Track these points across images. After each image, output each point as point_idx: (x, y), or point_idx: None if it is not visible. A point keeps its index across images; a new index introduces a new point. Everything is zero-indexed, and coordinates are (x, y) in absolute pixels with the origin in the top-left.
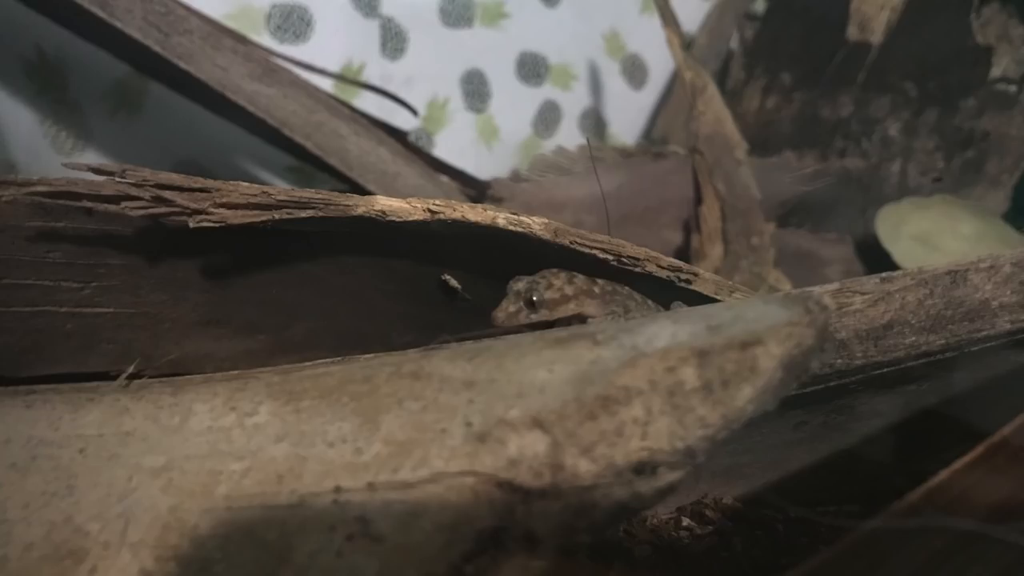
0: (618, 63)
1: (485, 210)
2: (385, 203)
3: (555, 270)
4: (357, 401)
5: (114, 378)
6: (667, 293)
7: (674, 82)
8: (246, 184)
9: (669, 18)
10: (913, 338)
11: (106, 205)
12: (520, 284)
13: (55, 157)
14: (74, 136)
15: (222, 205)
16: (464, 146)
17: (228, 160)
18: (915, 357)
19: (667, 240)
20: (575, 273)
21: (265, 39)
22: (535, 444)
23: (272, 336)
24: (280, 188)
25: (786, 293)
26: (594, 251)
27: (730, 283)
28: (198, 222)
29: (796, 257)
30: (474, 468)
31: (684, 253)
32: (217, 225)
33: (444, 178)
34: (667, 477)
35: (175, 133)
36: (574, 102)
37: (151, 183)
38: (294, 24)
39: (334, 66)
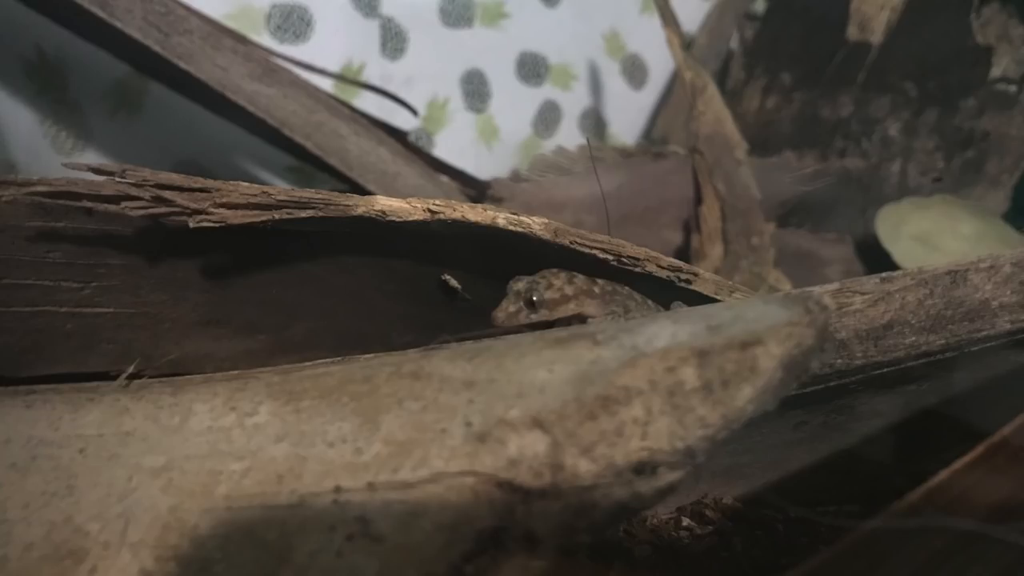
0: (618, 63)
1: (485, 210)
2: (385, 203)
3: (555, 270)
4: (357, 401)
5: (114, 378)
6: (667, 293)
7: (674, 82)
8: (246, 184)
9: (669, 18)
10: (913, 338)
11: (106, 205)
12: (520, 284)
13: (55, 157)
14: (74, 136)
15: (222, 205)
16: (464, 146)
17: (228, 160)
18: (915, 357)
19: (667, 240)
20: (575, 273)
21: (265, 39)
22: (535, 444)
23: (272, 336)
24: (280, 188)
25: (786, 293)
26: (594, 251)
27: (730, 283)
28: (198, 222)
29: (796, 257)
30: (474, 468)
31: (684, 253)
32: (217, 225)
33: (444, 178)
34: (667, 477)
35: (175, 133)
36: (574, 102)
37: (151, 183)
38: (294, 24)
39: (334, 66)
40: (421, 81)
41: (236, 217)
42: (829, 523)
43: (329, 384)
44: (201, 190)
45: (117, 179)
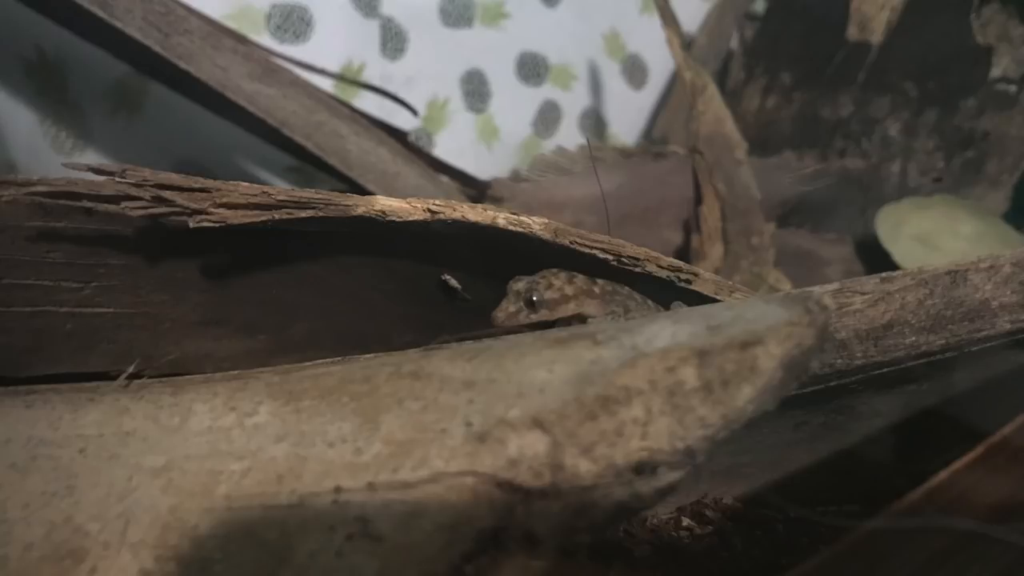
0: (618, 63)
1: (485, 210)
2: (385, 203)
3: (555, 270)
4: (357, 401)
5: (114, 378)
6: (667, 293)
7: (674, 82)
8: (246, 184)
9: (669, 18)
10: (913, 338)
11: (106, 205)
12: (520, 284)
13: (55, 157)
14: (74, 136)
15: (222, 205)
16: (464, 146)
17: (228, 160)
18: (915, 357)
19: (667, 240)
20: (575, 273)
21: (265, 39)
22: (535, 444)
23: (272, 336)
24: (280, 188)
25: (786, 293)
26: (594, 251)
27: (730, 283)
28: (198, 222)
29: (796, 257)
30: (474, 468)
31: (684, 253)
32: (217, 225)
33: (444, 178)
34: (667, 477)
35: (175, 133)
36: (574, 102)
37: (151, 183)
38: (294, 24)
39: (334, 66)
40: (421, 81)
41: (236, 217)
42: (829, 523)
43: (329, 384)
44: (201, 190)
45: (117, 179)
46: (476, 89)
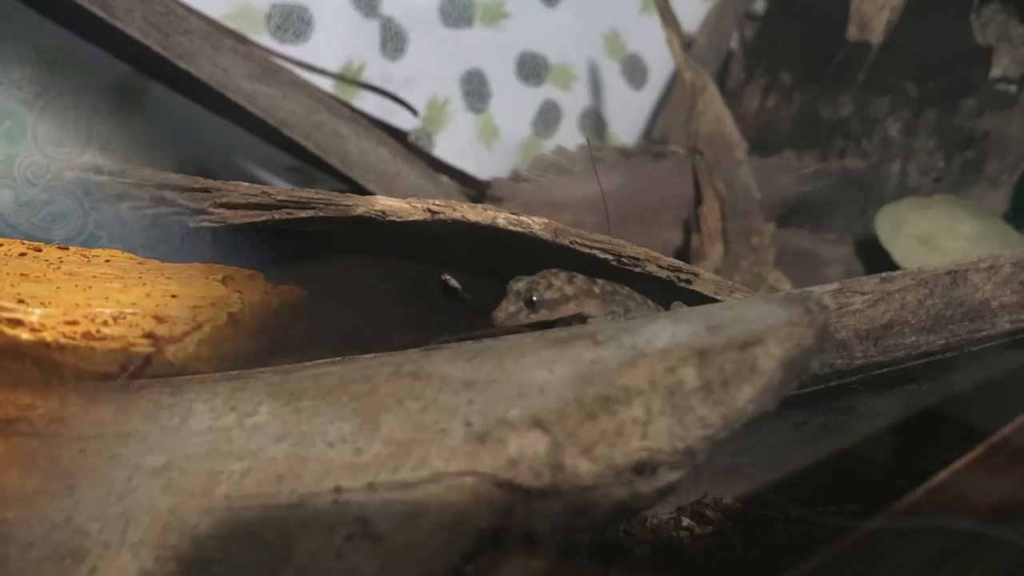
0: (618, 63)
1: (485, 210)
2: (385, 203)
3: (555, 270)
4: (357, 401)
5: (114, 378)
6: (667, 293)
7: (674, 82)
8: (246, 184)
9: (669, 18)
10: (913, 338)
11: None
12: (520, 284)
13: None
14: (74, 136)
15: (222, 205)
16: (464, 146)
17: (228, 160)
18: (915, 357)
19: (667, 240)
20: (575, 273)
21: (265, 39)
22: (535, 444)
23: (272, 336)
24: (280, 188)
25: (786, 293)
26: (594, 251)
27: (730, 283)
28: (198, 222)
29: (796, 257)
30: (474, 468)
31: (684, 253)
32: (217, 225)
33: (444, 178)
34: (667, 477)
35: (175, 133)
36: (574, 102)
37: (151, 183)
38: (294, 24)
39: (334, 66)
40: (421, 81)
41: (236, 217)
42: (829, 523)
43: (329, 384)
44: (201, 190)
45: (117, 179)
46: (476, 89)
